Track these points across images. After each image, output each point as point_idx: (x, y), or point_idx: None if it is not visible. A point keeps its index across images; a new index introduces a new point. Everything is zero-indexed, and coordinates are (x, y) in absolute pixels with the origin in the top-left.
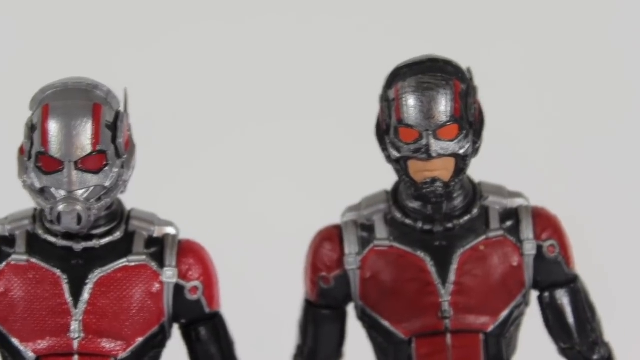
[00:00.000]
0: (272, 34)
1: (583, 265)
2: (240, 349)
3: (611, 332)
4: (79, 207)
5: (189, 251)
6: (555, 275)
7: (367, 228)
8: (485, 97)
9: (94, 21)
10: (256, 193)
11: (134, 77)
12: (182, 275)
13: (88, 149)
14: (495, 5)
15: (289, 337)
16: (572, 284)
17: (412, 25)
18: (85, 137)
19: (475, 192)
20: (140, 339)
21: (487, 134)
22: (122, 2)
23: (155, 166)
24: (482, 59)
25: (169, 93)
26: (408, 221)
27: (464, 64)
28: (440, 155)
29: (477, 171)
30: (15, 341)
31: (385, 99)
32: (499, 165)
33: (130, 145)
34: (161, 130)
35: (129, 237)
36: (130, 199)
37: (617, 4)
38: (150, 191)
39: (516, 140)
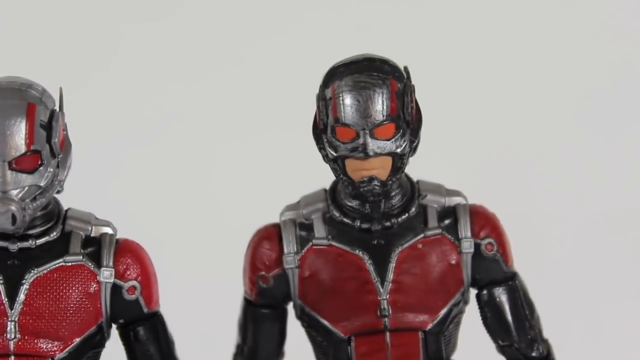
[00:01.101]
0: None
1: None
2: (181, 348)
3: (559, 326)
4: (13, 207)
5: (126, 251)
6: (493, 273)
7: (306, 227)
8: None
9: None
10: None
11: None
12: (120, 275)
13: (22, 149)
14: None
15: (230, 337)
16: (510, 281)
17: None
18: (19, 137)
19: (413, 190)
20: (77, 340)
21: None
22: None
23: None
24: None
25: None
26: (346, 220)
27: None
28: (377, 154)
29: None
30: None
31: (322, 98)
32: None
33: (66, 145)
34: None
35: (66, 237)
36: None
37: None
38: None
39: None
